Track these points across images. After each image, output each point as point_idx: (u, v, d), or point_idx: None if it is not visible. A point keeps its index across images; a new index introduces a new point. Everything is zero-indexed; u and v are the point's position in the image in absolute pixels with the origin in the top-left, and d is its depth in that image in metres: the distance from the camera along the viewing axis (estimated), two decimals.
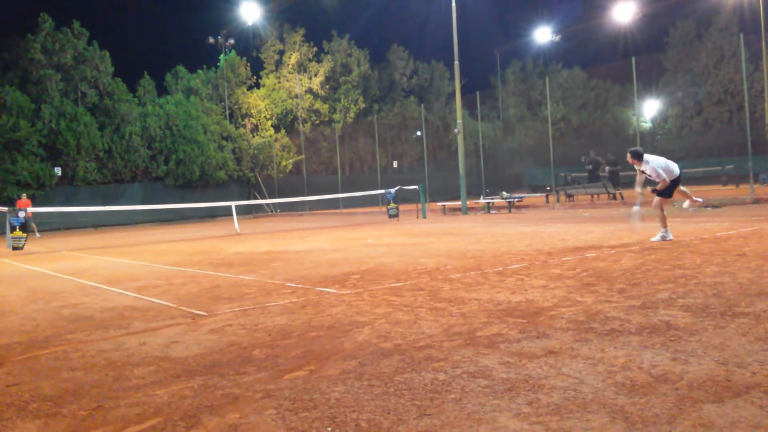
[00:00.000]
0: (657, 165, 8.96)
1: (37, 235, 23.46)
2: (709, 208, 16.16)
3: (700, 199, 9.85)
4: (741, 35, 20.29)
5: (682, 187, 9.39)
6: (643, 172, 9.17)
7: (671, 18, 44.97)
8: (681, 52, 43.31)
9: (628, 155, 9.18)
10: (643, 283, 5.72)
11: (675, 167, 9.08)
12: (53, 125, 29.54)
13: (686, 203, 9.69)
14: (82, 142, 30.12)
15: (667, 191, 9.10)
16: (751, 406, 2.65)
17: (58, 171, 29.70)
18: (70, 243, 18.59)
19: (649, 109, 44.68)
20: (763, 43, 32.43)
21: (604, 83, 48.69)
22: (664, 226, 9.19)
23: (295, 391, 3.25)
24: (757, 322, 4.06)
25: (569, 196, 24.00)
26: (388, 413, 2.84)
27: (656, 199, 9.16)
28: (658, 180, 9.02)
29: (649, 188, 9.62)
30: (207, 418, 2.94)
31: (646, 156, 9.05)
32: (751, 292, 5.04)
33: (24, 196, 24.41)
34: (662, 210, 9.15)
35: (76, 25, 31.91)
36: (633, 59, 22.15)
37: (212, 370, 3.75)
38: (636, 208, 9.87)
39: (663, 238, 9.11)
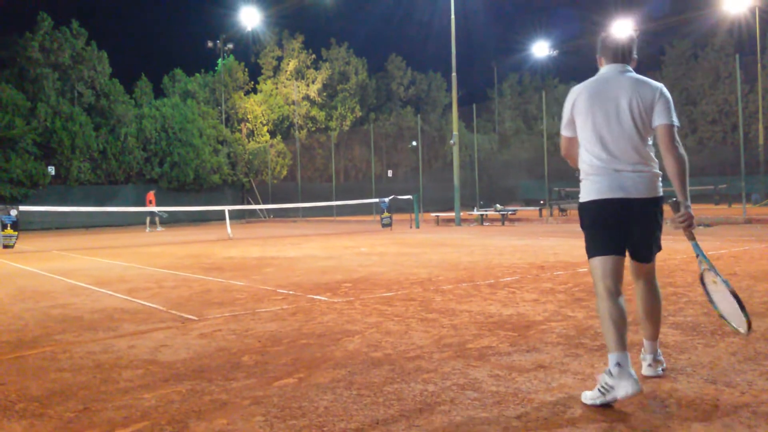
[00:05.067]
0: None
1: (159, 228, 26.03)
2: (701, 227, 16.23)
3: None
4: (737, 56, 20.46)
5: None
6: None
7: (668, 37, 45.38)
8: (677, 71, 43.64)
9: None
10: (634, 300, 5.72)
11: None
12: (48, 124, 29.44)
13: None
14: (77, 142, 30.03)
15: None
16: (740, 426, 2.66)
17: (51, 170, 29.58)
18: (62, 243, 18.50)
19: None
20: (759, 65, 32.71)
21: None
22: None
23: (284, 398, 3.24)
24: (746, 341, 4.07)
25: (563, 210, 24.07)
26: (377, 423, 2.83)
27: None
28: None
29: None
30: (194, 423, 2.92)
31: None
32: None
33: (154, 192, 27.32)
34: None
35: (75, 24, 31.89)
36: None
37: (201, 375, 3.73)
38: None
39: None
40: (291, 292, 6.93)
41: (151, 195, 26.29)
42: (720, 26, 40.52)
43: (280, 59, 43.45)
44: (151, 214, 25.55)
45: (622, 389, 2.86)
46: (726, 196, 28.48)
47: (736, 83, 20.42)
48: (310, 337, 4.63)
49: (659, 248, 3.46)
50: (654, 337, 3.50)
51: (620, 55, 3.35)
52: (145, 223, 26.45)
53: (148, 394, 3.39)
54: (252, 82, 41.76)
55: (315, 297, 6.55)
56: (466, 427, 2.75)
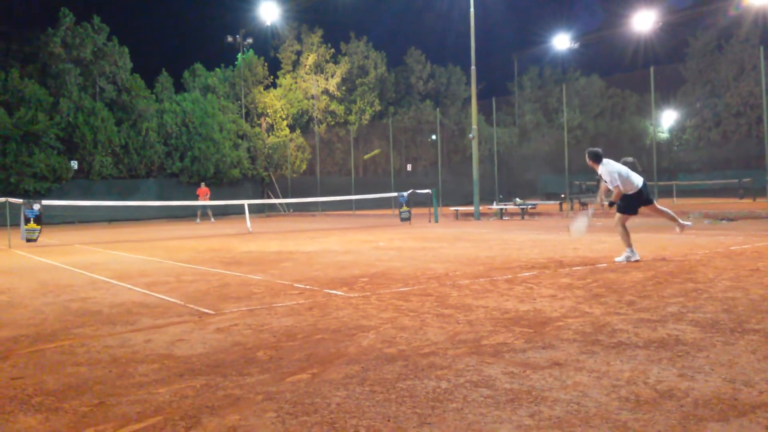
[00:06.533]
0: (613, 170, 8.19)
1: (212, 220, 28.13)
2: (724, 221, 16.00)
3: (688, 223, 9.06)
4: (761, 48, 20.11)
5: (661, 207, 8.71)
6: (600, 177, 8.41)
7: (692, 29, 44.67)
8: (701, 63, 42.99)
9: (586, 156, 8.49)
10: (653, 296, 5.66)
11: (637, 179, 8.28)
12: (71, 119, 29.76)
13: (676, 228, 8.86)
14: (99, 136, 30.33)
15: (625, 206, 8.32)
16: (757, 426, 2.61)
17: (74, 164, 29.92)
18: (84, 236, 18.72)
19: (667, 119, 44.35)
20: None
21: (622, 92, 48.38)
22: (628, 245, 8.31)
23: (297, 394, 3.24)
24: (767, 339, 4.00)
25: (583, 204, 23.85)
26: (388, 420, 2.82)
27: (616, 215, 8.45)
28: (611, 187, 8.16)
29: (606, 202, 8.53)
30: (207, 418, 2.94)
31: (606, 159, 8.33)
32: (763, 308, 4.97)
33: (203, 184, 28.83)
34: (623, 227, 8.34)
35: (97, 20, 32.14)
36: (651, 69, 22.01)
37: (215, 370, 3.75)
38: (582, 220, 9.10)
39: (627, 258, 8.22)
40: (308, 287, 6.94)
41: (206, 189, 28.02)
42: (745, 17, 39.84)
43: (299, 53, 43.45)
44: (203, 206, 27.76)
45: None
46: (750, 190, 28.04)
47: (761, 75, 20.07)
48: (325, 333, 4.63)
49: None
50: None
51: None
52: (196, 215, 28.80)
53: (162, 388, 3.42)
54: (271, 77, 41.83)
55: (331, 292, 6.55)
56: (478, 425, 2.73)
